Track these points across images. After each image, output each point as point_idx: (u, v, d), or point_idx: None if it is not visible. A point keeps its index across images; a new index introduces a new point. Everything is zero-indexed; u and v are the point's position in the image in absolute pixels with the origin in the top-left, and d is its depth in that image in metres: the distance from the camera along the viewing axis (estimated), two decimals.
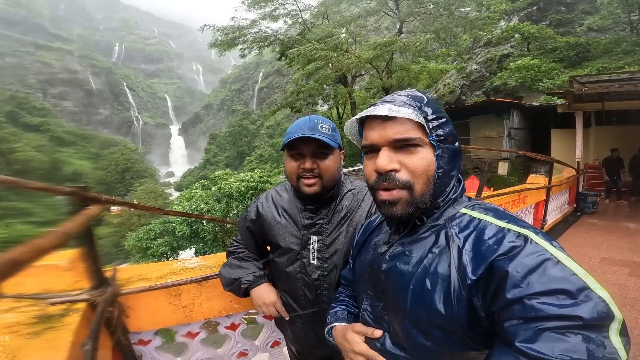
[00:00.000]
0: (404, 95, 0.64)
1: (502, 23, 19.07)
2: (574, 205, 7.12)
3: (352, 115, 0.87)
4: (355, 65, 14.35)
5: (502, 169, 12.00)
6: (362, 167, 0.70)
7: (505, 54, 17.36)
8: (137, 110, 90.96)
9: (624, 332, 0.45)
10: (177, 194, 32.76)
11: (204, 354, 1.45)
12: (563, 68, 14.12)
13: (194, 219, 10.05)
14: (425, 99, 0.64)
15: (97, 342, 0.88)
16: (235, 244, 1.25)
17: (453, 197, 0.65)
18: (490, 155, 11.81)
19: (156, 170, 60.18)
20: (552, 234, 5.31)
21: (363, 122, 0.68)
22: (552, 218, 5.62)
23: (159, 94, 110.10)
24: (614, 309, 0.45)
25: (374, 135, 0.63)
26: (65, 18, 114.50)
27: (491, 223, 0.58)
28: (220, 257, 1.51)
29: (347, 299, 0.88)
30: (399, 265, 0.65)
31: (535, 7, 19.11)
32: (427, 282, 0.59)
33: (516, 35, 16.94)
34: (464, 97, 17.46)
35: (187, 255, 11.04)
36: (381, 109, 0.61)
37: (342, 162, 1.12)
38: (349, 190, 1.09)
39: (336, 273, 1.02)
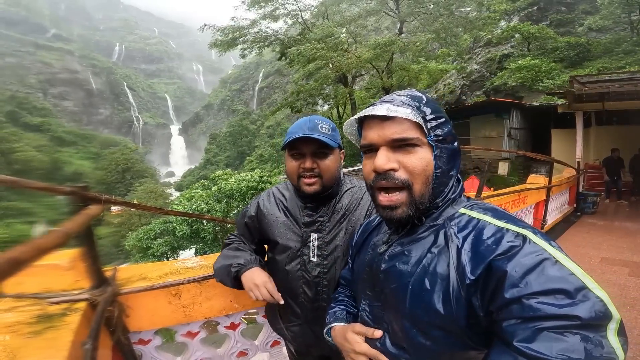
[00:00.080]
0: (403, 95, 0.65)
1: (503, 23, 19.05)
2: (574, 205, 7.12)
3: (352, 115, 0.88)
4: (355, 65, 14.35)
5: (502, 169, 12.00)
6: (361, 166, 0.70)
7: (506, 54, 17.35)
8: (137, 110, 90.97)
9: (621, 332, 0.45)
10: (177, 193, 32.78)
11: (204, 354, 1.45)
12: (563, 68, 14.11)
13: (194, 219, 10.06)
14: (424, 99, 0.64)
15: (97, 342, 0.89)
16: (232, 237, 1.26)
17: (452, 197, 0.65)
18: (491, 155, 11.81)
19: (156, 170, 60.19)
20: (552, 234, 5.31)
21: (362, 122, 0.68)
22: (552, 218, 5.61)
23: (159, 94, 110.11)
24: (612, 308, 0.45)
25: (373, 135, 0.64)
26: (66, 18, 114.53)
27: (490, 223, 0.58)
28: None
29: (346, 299, 0.88)
30: (398, 265, 0.65)
31: (535, 7, 19.09)
32: (426, 281, 0.59)
33: (516, 35, 16.93)
34: (464, 97, 17.45)
35: (188, 255, 11.05)
36: (379, 109, 0.61)
37: (342, 162, 1.12)
38: (348, 189, 1.11)
39: (335, 270, 1.03)
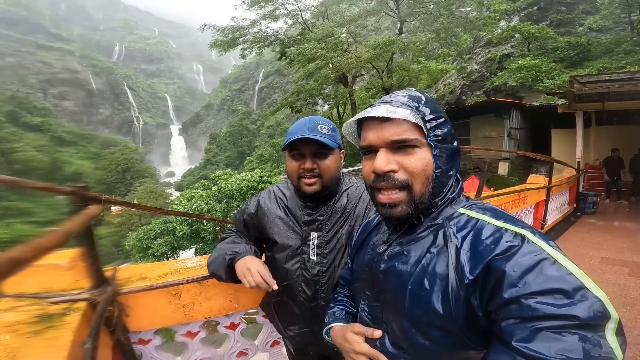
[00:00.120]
0: (402, 96, 0.64)
1: (503, 23, 19.04)
2: (574, 205, 7.12)
3: (353, 115, 0.88)
4: (355, 65, 14.35)
5: (503, 169, 11.99)
6: (361, 166, 0.71)
7: (506, 53, 17.35)
8: (137, 110, 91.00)
9: (620, 332, 0.45)
10: (177, 193, 32.78)
11: (204, 354, 1.45)
12: (563, 68, 14.10)
13: (194, 219, 10.06)
14: (424, 99, 0.64)
15: (97, 341, 0.89)
16: (229, 232, 1.26)
17: (451, 196, 0.65)
18: (491, 155, 11.80)
19: (156, 170, 60.22)
20: (552, 234, 5.31)
21: (361, 123, 0.68)
22: (552, 218, 5.61)
23: (159, 94, 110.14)
24: (610, 308, 0.45)
25: (372, 136, 0.64)
26: (66, 18, 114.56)
27: (489, 223, 0.58)
28: None
29: (345, 299, 0.88)
30: (397, 265, 0.65)
31: (535, 7, 19.08)
32: (425, 281, 0.59)
33: (516, 35, 16.91)
34: (464, 97, 17.45)
35: (188, 255, 11.06)
36: (378, 110, 0.61)
37: (343, 162, 1.13)
38: (347, 188, 1.12)
39: (334, 269, 1.04)
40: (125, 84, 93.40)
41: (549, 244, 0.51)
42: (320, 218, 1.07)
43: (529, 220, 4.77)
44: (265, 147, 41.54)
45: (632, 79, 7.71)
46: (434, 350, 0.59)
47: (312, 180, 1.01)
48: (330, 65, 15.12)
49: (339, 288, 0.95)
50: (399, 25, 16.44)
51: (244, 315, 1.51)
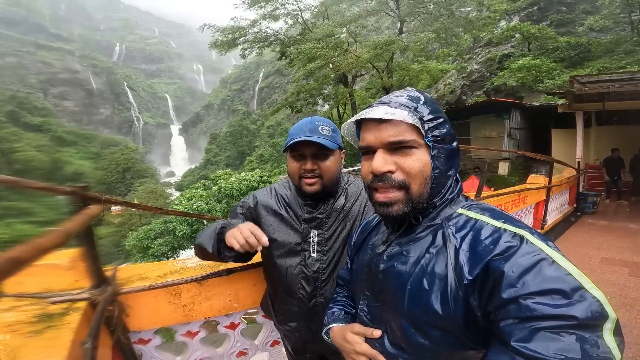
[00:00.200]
0: (401, 96, 0.65)
1: (503, 23, 19.02)
2: (574, 205, 7.11)
3: (353, 115, 0.88)
4: (355, 65, 14.35)
5: (503, 169, 11.99)
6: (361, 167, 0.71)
7: (506, 53, 17.33)
8: (137, 110, 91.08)
9: (617, 332, 0.45)
10: (177, 193, 32.79)
11: (204, 353, 1.45)
12: (564, 68, 14.09)
13: (194, 219, 10.06)
14: (423, 99, 0.64)
15: (97, 341, 0.89)
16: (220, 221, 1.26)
17: (450, 197, 0.65)
18: (491, 155, 11.80)
19: (157, 170, 60.28)
20: (552, 234, 5.31)
21: (360, 123, 0.69)
22: (552, 218, 5.61)
23: (159, 94, 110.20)
24: (608, 308, 0.45)
25: (370, 137, 0.64)
26: (66, 18, 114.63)
27: (487, 223, 0.58)
28: None
29: (344, 299, 0.89)
30: (396, 266, 0.65)
31: (535, 7, 19.06)
32: (425, 282, 0.59)
33: (517, 35, 16.89)
34: (464, 97, 17.43)
35: (188, 254, 11.06)
36: (376, 112, 0.62)
37: (343, 162, 1.15)
38: (346, 187, 1.14)
39: (334, 266, 1.06)
40: (126, 84, 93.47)
41: (547, 244, 0.52)
42: (321, 216, 1.09)
43: (529, 220, 4.77)
44: (266, 147, 41.53)
45: (632, 79, 7.71)
46: (433, 350, 0.59)
47: (312, 181, 1.03)
48: (331, 65, 15.12)
49: (338, 288, 0.95)
50: (399, 25, 16.44)
51: (244, 315, 1.51)
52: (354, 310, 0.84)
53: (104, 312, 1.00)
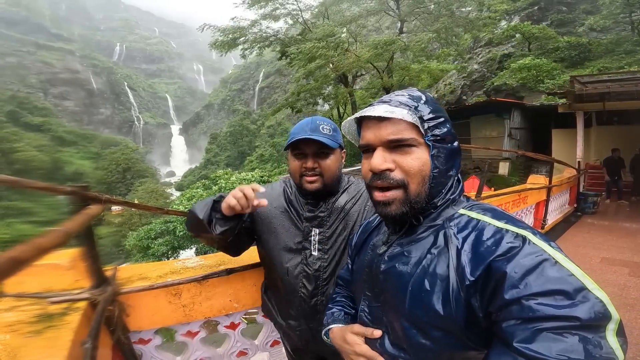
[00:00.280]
0: (402, 95, 0.65)
1: (503, 23, 19.02)
2: (575, 205, 7.11)
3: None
4: (355, 65, 14.34)
5: (503, 169, 11.98)
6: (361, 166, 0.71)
7: (506, 53, 17.32)
8: (138, 110, 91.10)
9: (620, 333, 0.45)
10: (177, 193, 32.79)
11: (204, 353, 1.45)
12: (564, 68, 14.08)
13: None
14: (424, 98, 0.64)
15: (97, 341, 0.89)
16: None
17: (451, 197, 0.65)
18: (491, 155, 11.80)
19: (157, 170, 60.32)
20: (553, 234, 5.31)
21: (361, 122, 0.69)
22: (552, 218, 5.61)
23: (159, 94, 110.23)
24: (611, 309, 0.45)
25: (370, 135, 0.64)
26: (66, 18, 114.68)
27: (489, 224, 0.58)
28: (221, 256, 1.51)
29: (343, 299, 0.88)
30: (397, 266, 0.65)
31: (536, 7, 19.05)
32: (426, 282, 0.59)
33: (517, 35, 16.88)
34: (464, 97, 17.43)
35: (188, 254, 11.08)
36: (376, 110, 0.62)
37: (343, 161, 1.15)
38: (347, 187, 1.15)
39: (335, 265, 1.06)
40: (126, 83, 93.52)
41: (550, 244, 0.51)
42: (322, 214, 1.09)
43: (529, 220, 4.77)
44: (266, 147, 41.53)
45: (632, 79, 7.71)
46: (434, 351, 0.59)
47: (313, 179, 1.04)
48: (331, 65, 15.11)
49: (338, 288, 0.95)
50: (399, 25, 16.44)
51: (244, 315, 1.51)
52: (354, 311, 0.84)
53: (104, 312, 1.00)
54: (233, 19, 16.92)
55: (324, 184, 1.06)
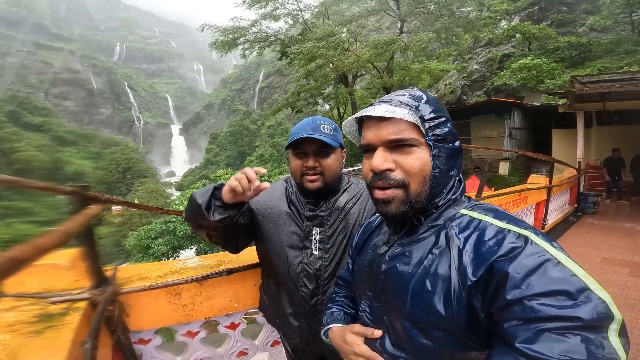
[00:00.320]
0: (403, 95, 0.65)
1: (503, 23, 19.02)
2: (575, 206, 7.11)
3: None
4: (355, 65, 14.35)
5: (503, 169, 11.98)
6: (362, 166, 0.71)
7: (507, 53, 17.32)
8: (138, 110, 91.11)
9: (623, 333, 0.45)
10: (178, 193, 32.80)
11: (204, 353, 1.45)
12: (565, 68, 14.07)
13: None
14: (425, 98, 0.64)
15: (97, 341, 0.89)
16: None
17: (452, 197, 0.65)
18: (491, 155, 11.80)
19: (157, 169, 60.33)
20: (553, 234, 5.31)
21: (362, 122, 0.69)
22: (552, 218, 5.61)
23: (160, 94, 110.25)
24: (614, 309, 0.45)
25: (370, 135, 0.64)
26: (67, 18, 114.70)
27: (491, 224, 0.58)
28: (221, 256, 1.51)
29: (343, 299, 0.88)
30: (398, 266, 0.65)
31: (536, 7, 19.05)
32: (427, 283, 0.59)
33: (517, 35, 16.86)
34: (465, 97, 17.42)
35: (188, 254, 11.08)
36: (377, 110, 0.62)
37: (344, 161, 1.16)
38: (347, 187, 1.16)
39: (336, 264, 1.07)
40: (126, 83, 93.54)
41: (552, 245, 0.51)
42: (323, 214, 1.09)
43: (529, 220, 4.76)
44: (266, 147, 41.49)
45: (633, 79, 7.71)
46: (435, 351, 0.59)
47: (314, 177, 1.04)
48: (331, 64, 15.12)
49: (337, 288, 0.95)
50: (399, 25, 16.44)
51: (244, 315, 1.51)
52: (353, 311, 0.84)
53: (104, 312, 1.00)
54: (233, 19, 16.93)
55: (325, 183, 1.06)
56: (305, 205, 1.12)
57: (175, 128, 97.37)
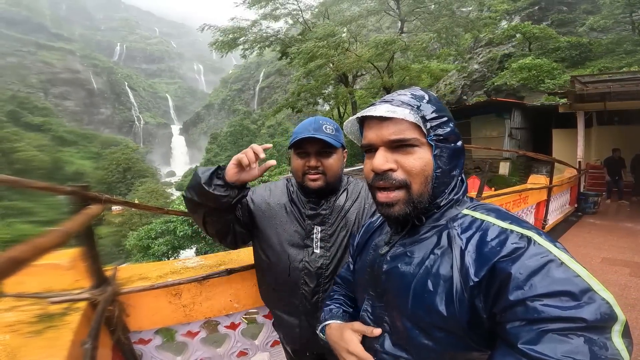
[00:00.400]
0: (404, 95, 0.64)
1: (504, 23, 19.02)
2: (575, 206, 7.11)
3: (353, 115, 0.89)
4: (356, 65, 14.35)
5: (503, 169, 11.98)
6: (362, 166, 0.71)
7: (507, 53, 17.31)
8: (138, 110, 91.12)
9: (626, 334, 0.44)
10: (178, 193, 32.85)
11: (204, 353, 1.45)
12: (565, 68, 14.07)
13: None
14: (426, 98, 0.64)
15: (97, 341, 0.89)
16: None
17: (454, 197, 0.65)
18: (492, 155, 11.80)
19: (157, 169, 60.34)
20: (553, 234, 5.29)
21: (363, 122, 0.69)
22: (553, 218, 5.61)
23: (160, 94, 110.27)
24: (617, 310, 0.45)
25: (372, 135, 0.64)
26: (67, 18, 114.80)
27: (494, 224, 0.57)
28: (221, 256, 1.51)
29: (342, 297, 0.88)
30: (400, 266, 0.65)
31: (536, 7, 19.04)
32: (429, 283, 0.59)
33: (517, 35, 16.86)
34: (465, 97, 17.41)
35: (188, 254, 11.07)
36: (378, 110, 0.62)
37: (345, 161, 1.17)
38: (347, 186, 1.17)
39: (337, 262, 1.08)
40: (126, 83, 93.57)
41: (555, 245, 0.51)
42: (324, 212, 1.11)
43: (529, 220, 4.76)
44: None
45: (633, 79, 7.71)
46: (437, 351, 0.59)
47: (316, 177, 1.06)
48: (331, 64, 15.12)
49: (336, 287, 0.95)
50: (399, 25, 16.43)
51: (245, 315, 1.51)
52: (352, 309, 0.83)
53: (104, 312, 1.00)
54: (232, 19, 16.92)
55: (327, 182, 1.07)
56: (306, 204, 1.12)
57: (176, 128, 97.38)
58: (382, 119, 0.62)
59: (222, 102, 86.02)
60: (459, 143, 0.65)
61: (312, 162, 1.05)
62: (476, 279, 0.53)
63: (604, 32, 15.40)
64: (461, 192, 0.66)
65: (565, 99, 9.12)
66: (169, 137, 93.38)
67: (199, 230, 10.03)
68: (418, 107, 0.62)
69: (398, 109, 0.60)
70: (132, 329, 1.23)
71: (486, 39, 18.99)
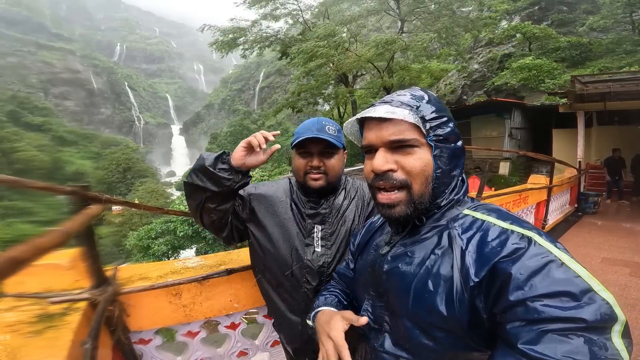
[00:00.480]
0: (404, 95, 0.64)
1: (504, 23, 19.02)
2: (575, 206, 7.11)
3: (354, 115, 0.90)
4: (356, 65, 14.34)
5: (503, 169, 11.98)
6: (362, 166, 0.71)
7: (507, 53, 17.30)
8: (138, 110, 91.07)
9: (626, 334, 0.44)
10: (178, 193, 32.82)
11: (204, 353, 1.45)
12: (565, 68, 14.06)
13: None
14: (426, 98, 0.64)
15: (97, 341, 0.89)
16: None
17: (455, 197, 0.65)
18: (492, 155, 11.80)
19: (157, 169, 60.33)
20: (553, 234, 5.30)
21: (363, 122, 0.69)
22: (553, 218, 5.61)
23: (160, 94, 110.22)
24: (618, 310, 0.45)
25: (372, 136, 0.64)
26: (67, 18, 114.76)
27: (494, 224, 0.57)
28: (221, 256, 1.51)
29: (338, 290, 0.88)
30: (400, 266, 0.65)
31: (536, 7, 19.04)
32: (429, 283, 0.59)
33: (518, 35, 16.86)
34: (465, 97, 17.41)
35: (188, 254, 11.06)
36: (377, 111, 0.62)
37: (345, 161, 1.18)
38: (345, 186, 1.19)
39: (338, 261, 1.09)
40: (126, 83, 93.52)
41: (556, 246, 0.51)
42: (324, 211, 1.12)
43: (530, 220, 4.76)
44: (266, 146, 41.45)
45: (633, 79, 7.71)
46: (437, 351, 0.59)
47: (318, 176, 1.07)
48: (331, 64, 15.12)
49: (332, 281, 0.95)
50: (399, 25, 16.43)
51: (245, 315, 1.51)
52: (347, 302, 0.83)
53: (104, 312, 1.00)
54: (232, 19, 16.91)
55: (328, 182, 1.09)
56: (307, 203, 1.13)
57: (176, 128, 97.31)
58: (382, 120, 0.62)
59: (222, 102, 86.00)
60: (459, 143, 0.65)
61: (315, 162, 1.06)
62: (476, 279, 0.53)
63: (604, 32, 15.39)
64: (462, 192, 0.66)
65: (566, 99, 9.12)
66: (169, 137, 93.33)
67: (199, 230, 10.03)
68: (417, 108, 0.62)
69: (397, 110, 0.61)
70: (132, 329, 1.22)
71: (486, 39, 18.98)
